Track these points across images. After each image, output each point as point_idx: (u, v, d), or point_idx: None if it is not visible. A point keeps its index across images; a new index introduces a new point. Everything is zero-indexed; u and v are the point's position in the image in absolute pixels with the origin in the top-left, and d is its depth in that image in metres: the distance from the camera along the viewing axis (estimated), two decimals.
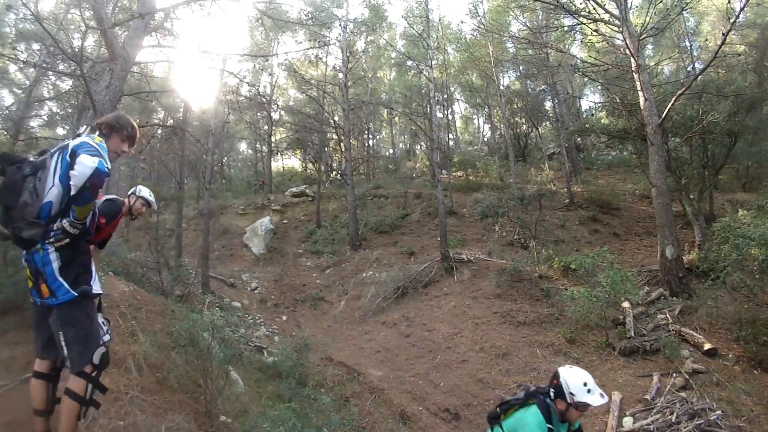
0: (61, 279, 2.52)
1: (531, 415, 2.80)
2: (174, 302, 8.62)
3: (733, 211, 10.20)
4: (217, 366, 4.47)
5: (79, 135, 2.69)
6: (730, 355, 8.23)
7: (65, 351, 2.51)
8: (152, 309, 6.07)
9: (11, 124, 11.34)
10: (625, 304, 10.11)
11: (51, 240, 2.49)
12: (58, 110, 13.92)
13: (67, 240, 2.53)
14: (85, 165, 2.40)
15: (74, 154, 2.50)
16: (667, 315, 9.74)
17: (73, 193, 2.44)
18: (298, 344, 8.63)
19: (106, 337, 2.75)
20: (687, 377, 7.79)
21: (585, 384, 2.76)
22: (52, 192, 2.51)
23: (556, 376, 2.87)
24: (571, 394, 2.75)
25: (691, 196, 13.47)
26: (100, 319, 2.79)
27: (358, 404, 7.74)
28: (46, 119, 13.25)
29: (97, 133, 2.81)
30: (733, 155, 14.24)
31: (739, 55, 14.40)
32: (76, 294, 2.55)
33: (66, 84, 13.84)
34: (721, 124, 11.89)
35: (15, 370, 3.47)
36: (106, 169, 2.49)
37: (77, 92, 12.95)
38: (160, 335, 5.14)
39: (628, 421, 7.05)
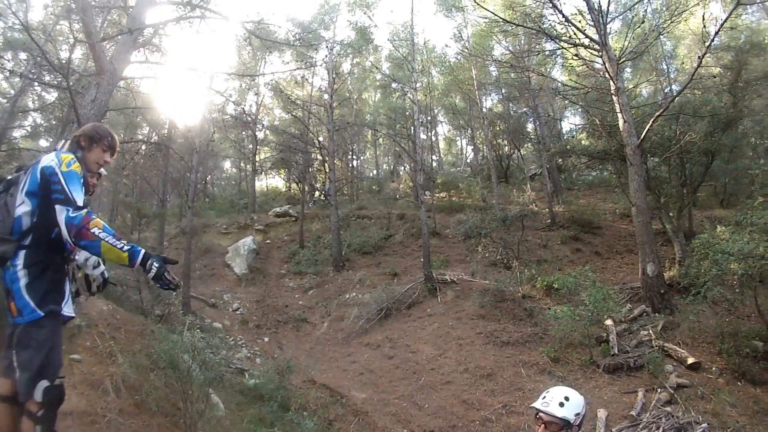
0: (27, 297, 2.38)
1: None
2: (154, 322, 8.43)
3: (712, 228, 10.43)
4: (197, 389, 4.37)
5: (55, 150, 2.64)
6: (714, 368, 8.34)
7: (17, 374, 2.34)
8: (131, 329, 5.93)
9: None
10: (608, 322, 10.19)
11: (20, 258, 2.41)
12: (42, 122, 13.71)
13: (39, 258, 2.46)
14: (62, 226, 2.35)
15: (43, 174, 2.45)
16: (650, 331, 9.86)
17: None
18: (280, 366, 8.47)
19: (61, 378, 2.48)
20: (672, 392, 7.86)
21: (547, 391, 2.64)
22: (21, 208, 2.45)
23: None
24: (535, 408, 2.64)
25: (671, 214, 13.80)
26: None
27: (342, 427, 7.62)
28: (30, 130, 13.04)
29: (75, 145, 2.73)
30: (710, 173, 14.68)
31: (715, 76, 14.94)
32: (42, 314, 2.39)
33: (51, 96, 13.70)
34: (698, 143, 12.31)
35: None
36: (70, 216, 2.33)
37: (62, 105, 12.79)
38: (139, 356, 5.01)
39: None
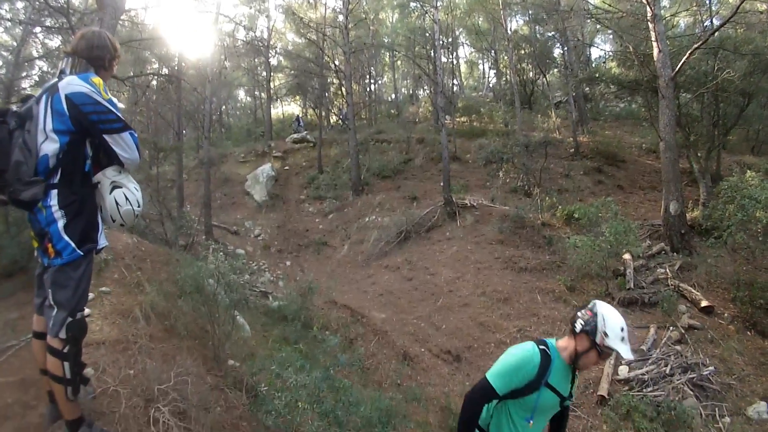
0: (67, 238, 2.31)
1: (521, 345, 2.43)
2: (178, 251, 8.65)
3: (741, 172, 10.07)
4: (223, 311, 4.49)
5: (63, 72, 2.41)
6: (726, 314, 8.38)
7: (54, 311, 2.31)
8: (157, 259, 6.07)
9: (2, 86, 10.92)
10: (626, 256, 10.18)
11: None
12: (49, 69, 13.37)
13: (74, 195, 2.34)
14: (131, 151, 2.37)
15: (72, 103, 2.25)
16: (667, 270, 9.86)
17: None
18: (302, 288, 8.69)
19: (87, 311, 2.53)
20: (683, 332, 7.97)
21: (622, 329, 2.26)
22: (45, 146, 2.26)
23: (591, 308, 2.35)
24: (604, 333, 2.24)
25: (699, 154, 13.28)
26: None
27: (363, 345, 7.92)
28: (37, 79, 12.74)
29: (97, 64, 2.49)
30: (744, 116, 13.96)
31: (761, 13, 13.84)
32: (82, 254, 2.35)
33: (55, 41, 13.26)
34: (736, 82, 11.59)
35: (23, 330, 3.45)
36: (136, 137, 2.38)
37: (66, 47, 12.35)
38: (166, 284, 5.15)
39: (623, 370, 7.25)
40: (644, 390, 6.66)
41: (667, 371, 6.91)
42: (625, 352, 2.25)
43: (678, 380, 6.69)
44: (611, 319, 2.28)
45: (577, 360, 2.33)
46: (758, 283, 8.38)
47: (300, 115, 27.44)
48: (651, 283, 9.61)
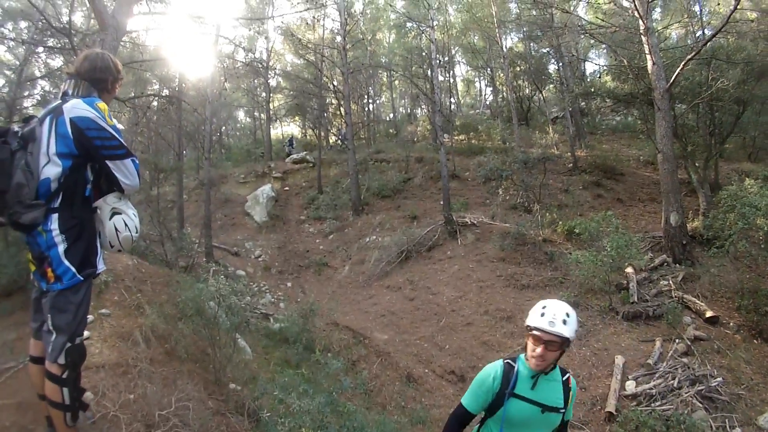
0: (67, 263, 2.30)
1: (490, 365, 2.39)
2: (179, 273, 8.62)
3: (740, 181, 10.11)
4: (224, 334, 4.46)
5: (66, 94, 2.43)
6: (731, 324, 8.33)
7: (52, 336, 2.30)
8: (157, 281, 6.05)
9: (4, 105, 11.02)
10: (629, 270, 10.14)
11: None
12: (51, 88, 13.51)
13: (74, 220, 2.33)
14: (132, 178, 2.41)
15: (76, 127, 2.26)
16: (670, 281, 9.83)
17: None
18: (303, 310, 8.65)
19: (86, 334, 2.55)
20: (689, 343, 7.89)
21: (544, 307, 2.24)
22: (47, 169, 2.25)
23: None
24: (527, 323, 2.26)
25: (697, 164, 13.35)
26: None
27: (365, 367, 7.83)
28: (39, 98, 12.84)
29: (99, 86, 2.51)
30: (740, 124, 14.04)
31: (752, 21, 14.06)
32: (82, 279, 2.35)
33: (57, 61, 13.41)
34: (730, 91, 11.67)
35: (21, 352, 3.42)
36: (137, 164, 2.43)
37: (68, 68, 12.43)
38: (166, 306, 5.12)
39: (630, 385, 7.16)
40: (652, 404, 6.57)
41: (675, 384, 6.84)
42: (535, 320, 2.21)
43: (686, 393, 6.62)
44: (538, 303, 2.30)
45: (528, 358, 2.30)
46: (762, 290, 8.35)
47: (293, 136, 27.46)
48: (655, 295, 9.55)
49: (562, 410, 2.30)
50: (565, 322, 2.17)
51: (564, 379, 2.35)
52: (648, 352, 7.89)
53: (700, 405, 6.40)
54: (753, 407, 6.47)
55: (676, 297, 9.19)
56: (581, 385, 7.31)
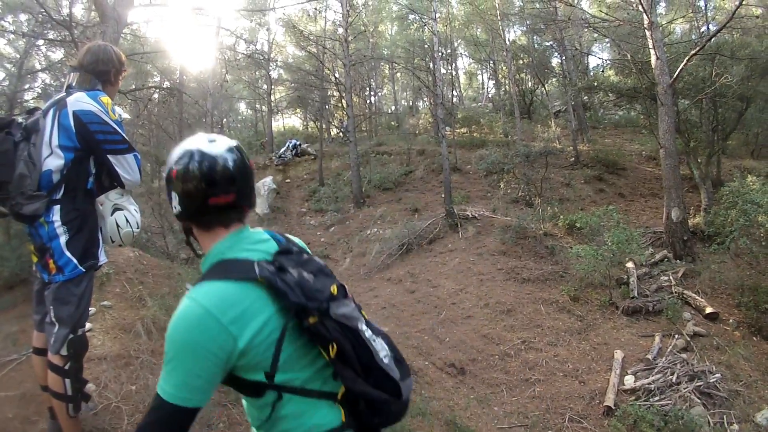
0: (68, 254, 2.31)
1: None
2: (180, 265, 8.62)
3: (742, 177, 10.09)
4: None
5: (70, 87, 2.42)
6: (731, 321, 8.32)
7: (55, 328, 2.31)
8: (158, 273, 6.05)
9: (5, 98, 10.99)
10: (629, 264, 10.14)
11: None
12: (52, 81, 13.43)
13: (76, 212, 2.34)
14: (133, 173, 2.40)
15: (79, 121, 2.26)
16: (671, 277, 9.81)
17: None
18: None
19: (88, 326, 2.53)
20: (688, 339, 7.89)
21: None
22: (50, 161, 2.26)
23: None
24: None
25: (699, 160, 13.29)
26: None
27: None
28: (40, 91, 12.76)
29: (103, 78, 2.50)
30: (743, 121, 14.06)
31: (756, 17, 13.97)
32: (84, 270, 2.36)
33: (58, 53, 13.34)
34: (734, 87, 11.63)
35: (24, 344, 3.44)
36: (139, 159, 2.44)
37: (70, 60, 12.40)
38: (168, 298, 5.12)
39: (629, 380, 7.17)
40: (651, 399, 6.58)
41: (674, 380, 6.85)
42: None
43: (685, 389, 6.62)
44: None
45: None
46: (763, 287, 8.34)
47: (298, 142, 24.88)
48: (655, 291, 9.55)
49: None
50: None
51: None
52: (647, 347, 7.89)
53: (699, 401, 6.41)
54: (751, 404, 6.48)
55: (676, 293, 9.20)
56: (580, 379, 7.34)
